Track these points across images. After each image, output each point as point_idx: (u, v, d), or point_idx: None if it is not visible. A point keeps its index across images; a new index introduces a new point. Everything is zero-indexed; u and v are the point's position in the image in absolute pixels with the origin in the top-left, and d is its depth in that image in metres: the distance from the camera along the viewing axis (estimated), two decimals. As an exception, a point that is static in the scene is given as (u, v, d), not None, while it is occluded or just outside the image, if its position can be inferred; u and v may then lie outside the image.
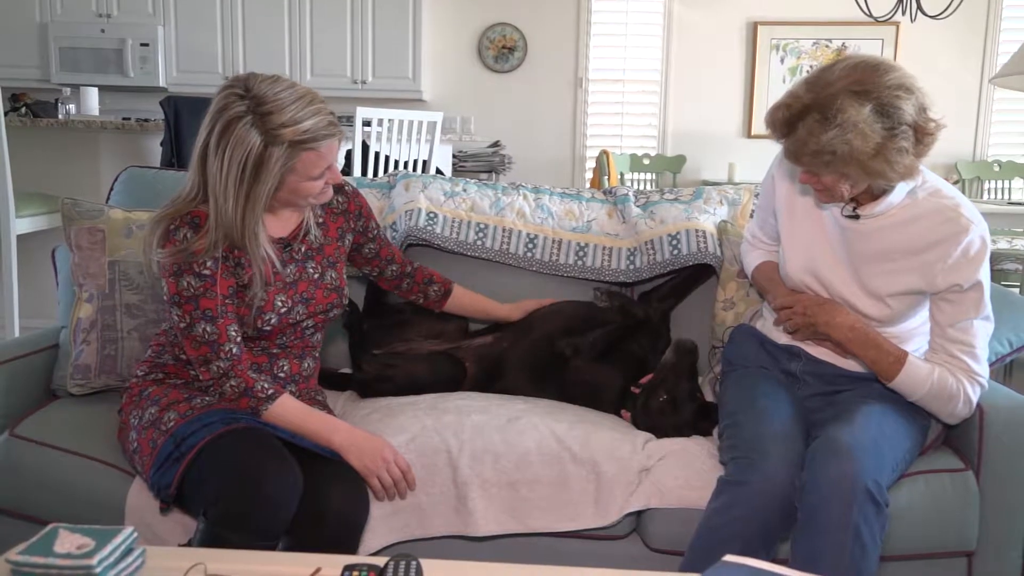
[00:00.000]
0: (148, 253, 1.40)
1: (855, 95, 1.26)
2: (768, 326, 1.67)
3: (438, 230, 1.97)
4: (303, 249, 1.51)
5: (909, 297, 1.44)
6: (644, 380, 1.71)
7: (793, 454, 1.34)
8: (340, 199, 1.60)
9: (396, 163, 3.88)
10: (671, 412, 1.62)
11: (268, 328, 1.45)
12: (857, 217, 1.45)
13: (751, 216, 2.00)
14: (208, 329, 1.37)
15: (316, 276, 1.52)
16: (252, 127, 1.30)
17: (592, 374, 1.74)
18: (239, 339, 1.40)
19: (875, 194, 1.42)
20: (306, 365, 1.56)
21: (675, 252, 1.92)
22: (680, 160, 5.28)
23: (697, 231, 1.93)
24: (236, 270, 1.41)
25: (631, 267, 1.96)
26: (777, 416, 1.42)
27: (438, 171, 4.18)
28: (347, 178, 1.68)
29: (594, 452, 1.52)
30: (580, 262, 1.98)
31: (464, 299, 1.84)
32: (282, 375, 1.51)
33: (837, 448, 1.29)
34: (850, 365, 1.54)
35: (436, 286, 1.81)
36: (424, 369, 1.78)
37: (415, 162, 3.97)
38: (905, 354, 1.43)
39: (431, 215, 1.99)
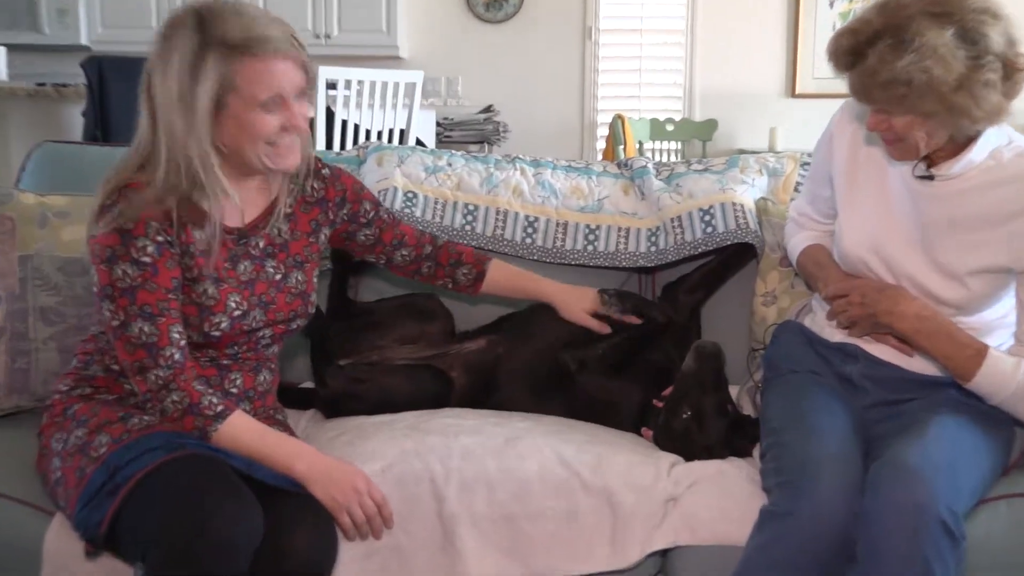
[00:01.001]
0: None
1: (934, 17, 1.28)
2: (819, 322, 1.68)
3: (418, 213, 1.98)
4: (261, 244, 1.51)
5: (991, 276, 1.45)
6: (668, 391, 1.73)
7: (850, 478, 1.34)
8: (316, 185, 1.60)
9: (367, 133, 3.88)
10: (697, 431, 1.63)
11: (217, 334, 1.45)
12: (931, 178, 1.46)
13: (795, 190, 2.02)
14: (146, 329, 1.36)
15: (278, 277, 1.53)
16: (193, 30, 1.35)
17: (604, 390, 1.78)
18: (183, 343, 1.40)
19: (954, 148, 1.43)
20: (262, 378, 1.57)
21: (708, 230, 1.93)
22: (710, 125, 5.28)
23: (735, 205, 1.95)
24: (184, 259, 1.40)
25: (653, 249, 1.97)
26: (830, 431, 1.42)
27: (418, 142, 4.19)
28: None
29: (609, 479, 1.52)
30: (591, 247, 2.00)
31: (502, 277, 1.83)
32: (234, 390, 1.51)
33: (904, 469, 1.29)
34: (918, 367, 1.54)
35: (466, 268, 1.80)
36: (402, 383, 1.80)
37: (390, 132, 3.97)
38: (985, 347, 1.43)
39: (409, 195, 1.99)
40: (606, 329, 1.83)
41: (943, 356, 1.46)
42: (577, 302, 1.84)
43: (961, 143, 1.42)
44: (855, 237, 1.57)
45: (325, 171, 1.63)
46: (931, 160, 1.46)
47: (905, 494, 1.26)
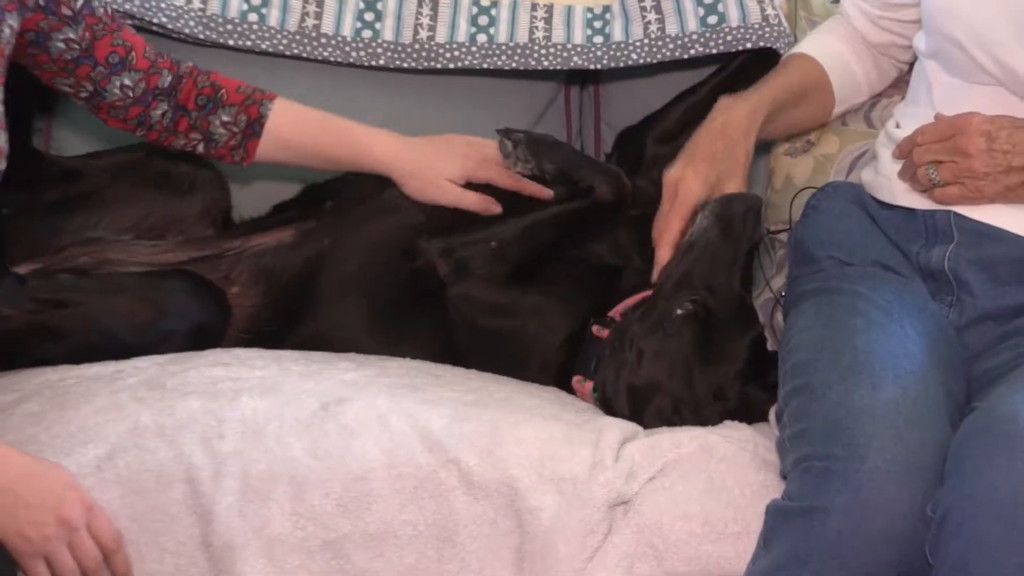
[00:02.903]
0: None
1: None
2: (887, 174, 1.75)
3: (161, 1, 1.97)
4: None
5: None
6: (620, 309, 1.80)
7: (922, 446, 1.37)
8: None
9: None
10: (703, 347, 1.70)
11: None
12: None
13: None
14: None
15: None
16: None
17: (501, 311, 1.84)
18: None
19: None
20: None
21: (713, 21, 2.00)
22: None
23: None
24: None
25: (599, 41, 2.03)
26: (891, 364, 1.46)
27: None
28: None
29: (512, 468, 1.55)
30: (482, 37, 2.02)
31: (295, 128, 1.87)
32: None
33: (1013, 432, 1.31)
34: None
35: (228, 112, 1.83)
36: (136, 307, 1.80)
37: None
38: None
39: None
40: (495, 208, 1.88)
41: None
42: (439, 167, 1.89)
43: None
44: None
45: None
46: None
47: (1015, 475, 1.27)
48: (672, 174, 1.81)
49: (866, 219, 1.75)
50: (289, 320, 1.88)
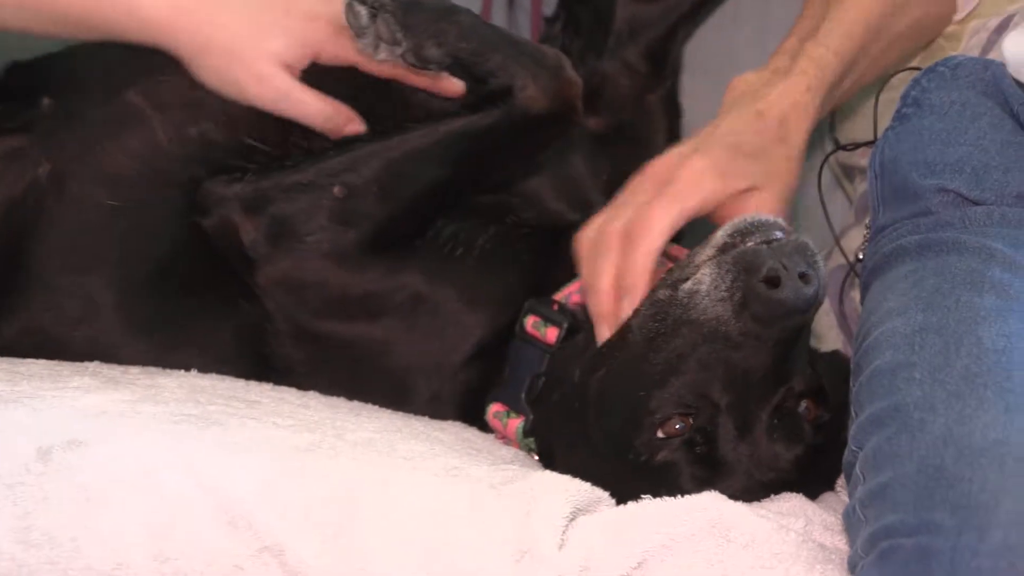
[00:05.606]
0: None
1: None
2: None
3: None
4: None
5: None
6: (575, 289, 1.76)
7: None
8: None
9: None
10: (702, 470, 1.59)
11: None
12: None
13: None
14: None
15: None
16: None
17: (353, 305, 1.81)
18: None
19: None
20: None
21: None
22: None
23: None
24: None
25: None
26: None
27: None
28: None
29: (375, 564, 1.43)
30: None
31: None
32: None
33: None
34: None
35: None
36: None
37: None
38: None
39: None
40: (355, 127, 1.84)
41: None
42: (257, 39, 1.83)
43: None
44: None
45: None
46: None
47: None
48: (663, 159, 1.75)
49: (1007, 122, 1.68)
50: None
